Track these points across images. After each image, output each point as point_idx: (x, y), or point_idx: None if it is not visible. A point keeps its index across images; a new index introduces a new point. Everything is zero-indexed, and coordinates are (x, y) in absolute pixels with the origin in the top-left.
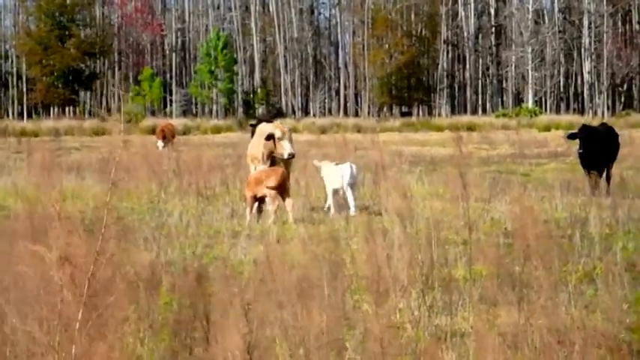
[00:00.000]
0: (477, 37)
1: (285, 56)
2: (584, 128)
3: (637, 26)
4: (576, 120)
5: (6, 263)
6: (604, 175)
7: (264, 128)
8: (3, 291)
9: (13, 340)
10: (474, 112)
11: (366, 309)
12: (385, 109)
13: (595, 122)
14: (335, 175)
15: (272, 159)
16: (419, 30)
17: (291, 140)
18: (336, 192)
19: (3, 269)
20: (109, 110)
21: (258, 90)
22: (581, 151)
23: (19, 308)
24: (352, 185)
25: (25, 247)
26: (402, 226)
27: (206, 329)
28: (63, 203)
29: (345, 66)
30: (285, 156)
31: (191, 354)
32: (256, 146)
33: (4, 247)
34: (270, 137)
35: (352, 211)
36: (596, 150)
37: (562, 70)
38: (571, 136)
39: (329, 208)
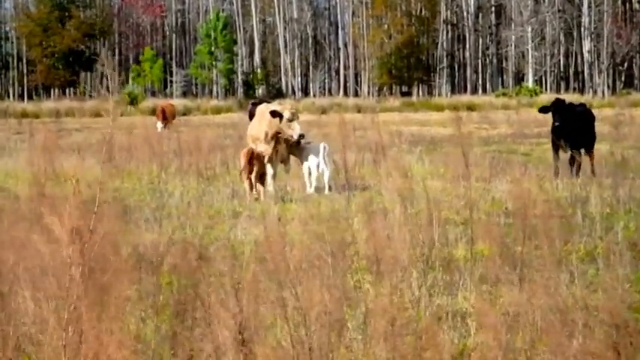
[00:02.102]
0: (476, 17)
1: (284, 37)
2: (557, 101)
3: (637, 5)
4: (576, 99)
5: (14, 240)
6: (577, 159)
7: (268, 109)
8: (13, 267)
9: (23, 317)
10: (474, 91)
11: (367, 289)
12: (385, 89)
13: (595, 101)
14: (310, 155)
15: (276, 139)
16: (418, 9)
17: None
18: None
19: (12, 245)
20: (108, 91)
21: (258, 70)
22: (557, 123)
23: (28, 285)
24: (326, 164)
25: (33, 223)
26: (402, 206)
27: (207, 309)
28: (64, 184)
29: (345, 46)
30: (295, 137)
31: (191, 334)
32: (257, 127)
33: (11, 225)
34: (276, 115)
35: (327, 189)
36: (571, 126)
37: (562, 49)
38: (543, 110)
39: (319, 189)
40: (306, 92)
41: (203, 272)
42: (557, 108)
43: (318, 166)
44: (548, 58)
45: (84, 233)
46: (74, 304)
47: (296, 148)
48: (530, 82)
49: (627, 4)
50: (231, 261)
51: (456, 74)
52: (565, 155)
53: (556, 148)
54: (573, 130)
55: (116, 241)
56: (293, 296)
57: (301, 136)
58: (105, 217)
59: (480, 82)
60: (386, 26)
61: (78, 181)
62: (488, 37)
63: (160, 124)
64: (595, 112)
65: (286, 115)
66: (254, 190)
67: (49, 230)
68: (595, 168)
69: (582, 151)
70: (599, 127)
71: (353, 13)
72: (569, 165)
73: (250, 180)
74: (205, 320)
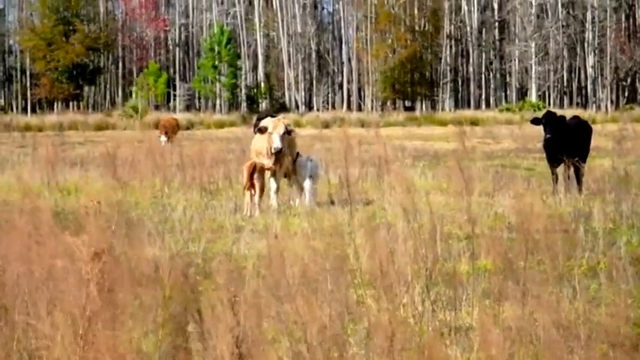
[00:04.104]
0: (480, 32)
1: (288, 51)
2: (548, 114)
3: None
4: (579, 114)
5: (17, 254)
6: (571, 171)
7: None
8: (17, 280)
9: (38, 330)
10: (478, 106)
11: (370, 304)
12: (388, 103)
13: (598, 117)
14: (308, 168)
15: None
16: (422, 24)
17: (290, 133)
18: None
19: (15, 259)
20: (113, 105)
21: (262, 85)
22: (549, 135)
23: (35, 299)
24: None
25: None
26: (405, 220)
27: (200, 325)
28: (67, 198)
29: (349, 60)
30: (272, 150)
31: (187, 350)
32: (260, 141)
33: (14, 239)
34: (263, 132)
35: (307, 201)
36: (562, 139)
37: (565, 64)
38: (534, 121)
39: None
40: (309, 106)
41: (203, 286)
42: (547, 120)
43: (311, 179)
44: (552, 73)
45: (103, 253)
46: (89, 320)
47: (297, 162)
48: (533, 97)
49: (630, 20)
50: (230, 275)
51: (460, 89)
52: (563, 169)
53: (550, 162)
54: (565, 142)
55: (130, 259)
56: (293, 311)
57: (276, 149)
58: (121, 234)
59: (484, 97)
60: (390, 41)
61: (100, 203)
62: (491, 52)
63: (163, 138)
64: (598, 127)
65: (269, 128)
66: (255, 203)
67: (56, 244)
68: (583, 186)
69: (572, 163)
70: (603, 142)
71: (357, 28)
72: (567, 179)
73: (251, 193)
74: (202, 334)
